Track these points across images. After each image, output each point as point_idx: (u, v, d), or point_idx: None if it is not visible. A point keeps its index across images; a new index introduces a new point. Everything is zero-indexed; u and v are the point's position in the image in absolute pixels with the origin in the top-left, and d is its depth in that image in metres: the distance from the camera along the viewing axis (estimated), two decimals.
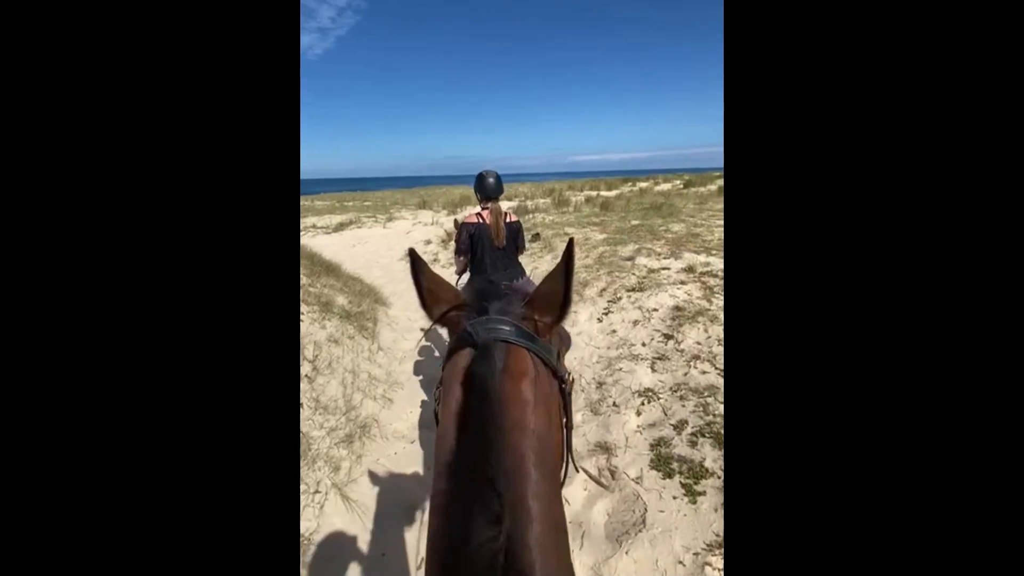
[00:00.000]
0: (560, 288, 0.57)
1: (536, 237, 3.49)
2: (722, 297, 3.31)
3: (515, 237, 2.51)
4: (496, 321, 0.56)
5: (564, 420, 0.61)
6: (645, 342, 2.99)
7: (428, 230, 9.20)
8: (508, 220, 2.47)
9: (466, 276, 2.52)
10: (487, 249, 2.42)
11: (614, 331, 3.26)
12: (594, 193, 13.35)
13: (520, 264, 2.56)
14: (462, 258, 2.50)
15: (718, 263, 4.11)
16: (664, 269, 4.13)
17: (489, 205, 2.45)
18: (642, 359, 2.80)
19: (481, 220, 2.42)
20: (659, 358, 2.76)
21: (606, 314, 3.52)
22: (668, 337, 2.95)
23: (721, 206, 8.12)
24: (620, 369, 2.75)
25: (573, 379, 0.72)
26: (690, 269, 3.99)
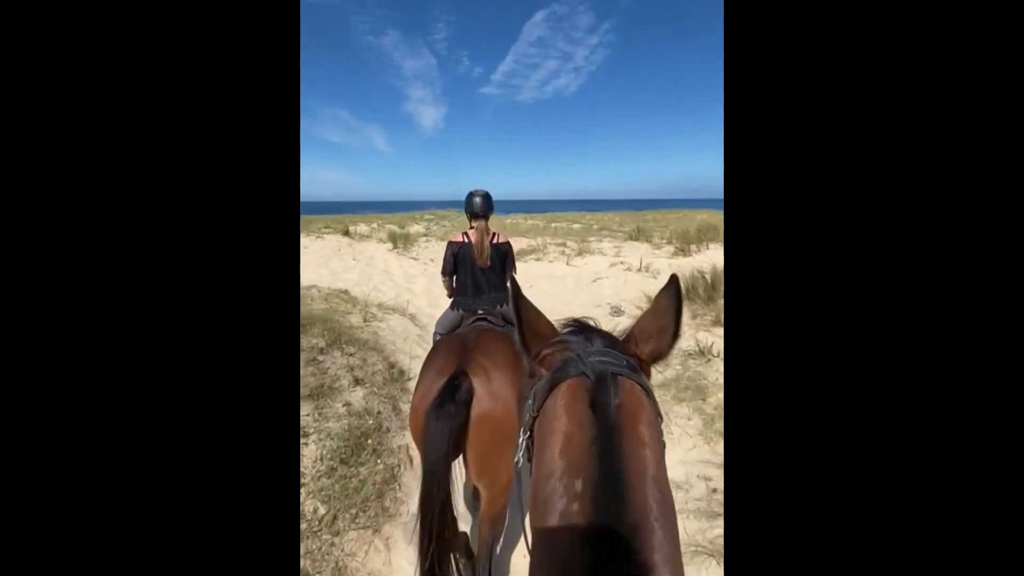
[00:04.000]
0: (669, 324, 0.57)
1: (618, 311, 3.75)
2: None
3: (502, 259, 2.35)
4: (605, 353, 0.54)
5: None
6: None
7: (627, 279, 5.87)
8: (495, 241, 2.33)
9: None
10: (470, 270, 2.28)
11: None
12: None
13: (506, 288, 2.21)
14: (445, 278, 2.40)
15: None
16: None
17: (475, 224, 2.31)
18: None
19: (466, 239, 2.30)
20: None
21: None
22: None
23: None
24: None
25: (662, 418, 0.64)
26: None
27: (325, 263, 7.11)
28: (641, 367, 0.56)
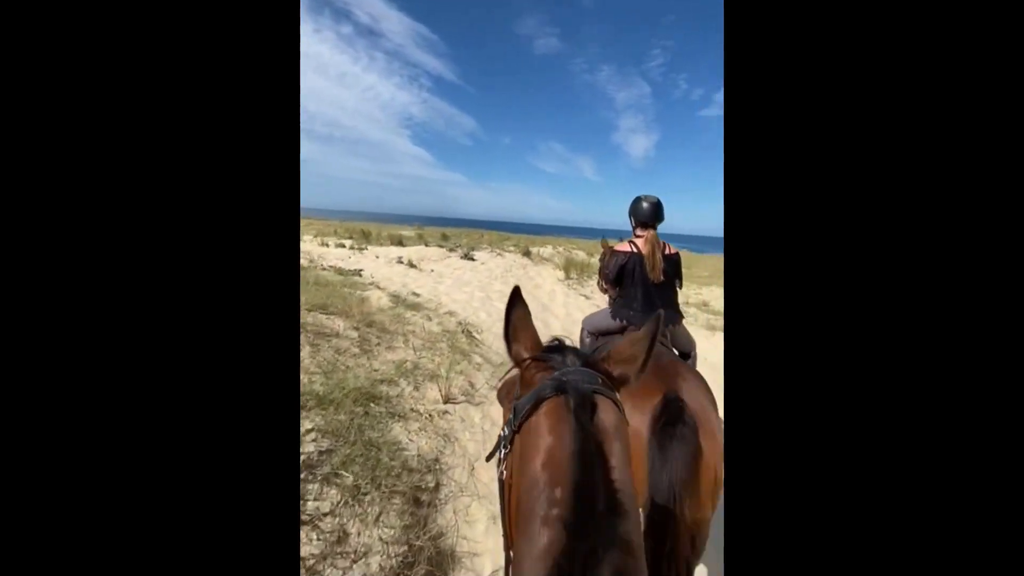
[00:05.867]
0: (640, 354, 0.62)
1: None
2: None
3: (674, 271, 2.09)
4: (583, 373, 0.58)
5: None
6: None
7: None
8: (668, 252, 2.05)
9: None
10: (640, 283, 2.01)
11: None
12: None
13: (677, 305, 2.13)
14: (608, 286, 2.16)
15: None
16: None
17: (644, 234, 2.05)
18: None
19: (635, 250, 2.03)
20: None
21: None
22: None
23: None
24: None
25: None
26: None
27: (488, 283, 6.13)
28: (611, 384, 0.61)
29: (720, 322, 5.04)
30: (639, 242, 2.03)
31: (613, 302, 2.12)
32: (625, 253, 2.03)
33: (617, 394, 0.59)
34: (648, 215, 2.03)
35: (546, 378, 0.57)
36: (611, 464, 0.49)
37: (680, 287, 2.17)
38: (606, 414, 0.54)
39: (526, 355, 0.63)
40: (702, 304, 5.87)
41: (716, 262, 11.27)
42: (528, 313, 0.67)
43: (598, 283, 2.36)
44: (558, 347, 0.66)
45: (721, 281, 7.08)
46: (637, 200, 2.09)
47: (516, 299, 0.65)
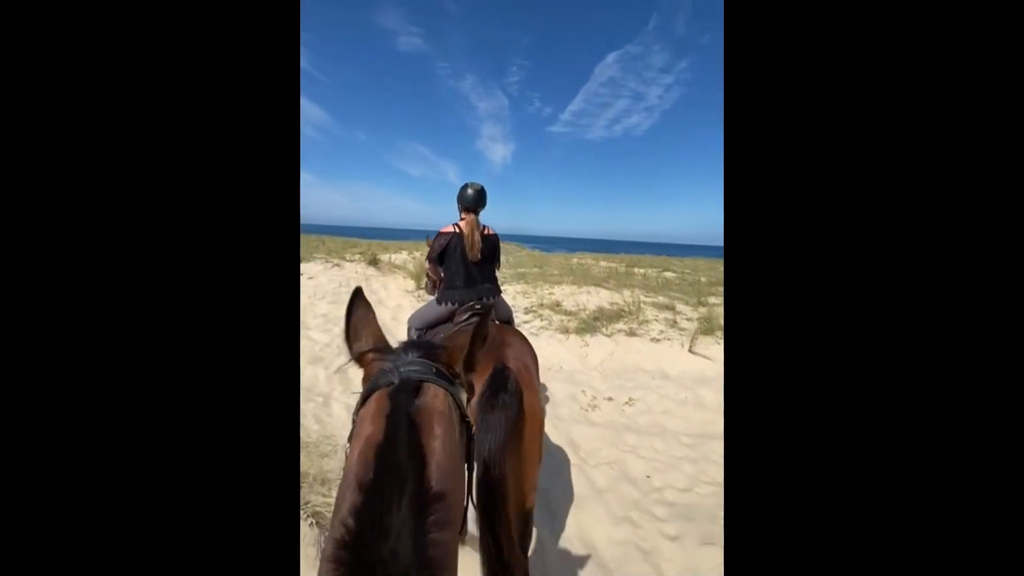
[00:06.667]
0: (466, 343, 0.66)
1: None
2: None
3: (492, 251, 2.35)
4: (416, 363, 0.60)
5: (466, 464, 0.64)
6: None
7: None
8: (486, 233, 2.30)
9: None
10: (461, 261, 2.23)
11: None
12: None
13: (496, 281, 2.39)
14: (430, 264, 2.38)
15: None
16: None
17: (467, 217, 2.27)
18: None
19: (457, 230, 2.24)
20: None
21: None
22: None
23: None
24: None
25: (475, 427, 0.78)
26: None
27: (309, 305, 4.90)
28: (451, 373, 0.63)
29: (573, 324, 4.92)
30: (462, 224, 2.22)
31: (440, 292, 2.24)
32: (448, 234, 2.21)
33: (458, 380, 0.64)
34: (471, 200, 2.22)
35: (379, 371, 0.60)
36: (428, 447, 0.51)
37: (499, 267, 2.43)
38: (431, 400, 0.56)
39: (366, 350, 0.64)
40: (555, 305, 5.74)
41: (563, 260, 11.89)
42: (371, 312, 0.69)
43: (424, 285, 2.52)
44: (403, 344, 0.66)
45: (571, 279, 7.21)
46: (463, 187, 2.27)
47: (357, 299, 0.67)
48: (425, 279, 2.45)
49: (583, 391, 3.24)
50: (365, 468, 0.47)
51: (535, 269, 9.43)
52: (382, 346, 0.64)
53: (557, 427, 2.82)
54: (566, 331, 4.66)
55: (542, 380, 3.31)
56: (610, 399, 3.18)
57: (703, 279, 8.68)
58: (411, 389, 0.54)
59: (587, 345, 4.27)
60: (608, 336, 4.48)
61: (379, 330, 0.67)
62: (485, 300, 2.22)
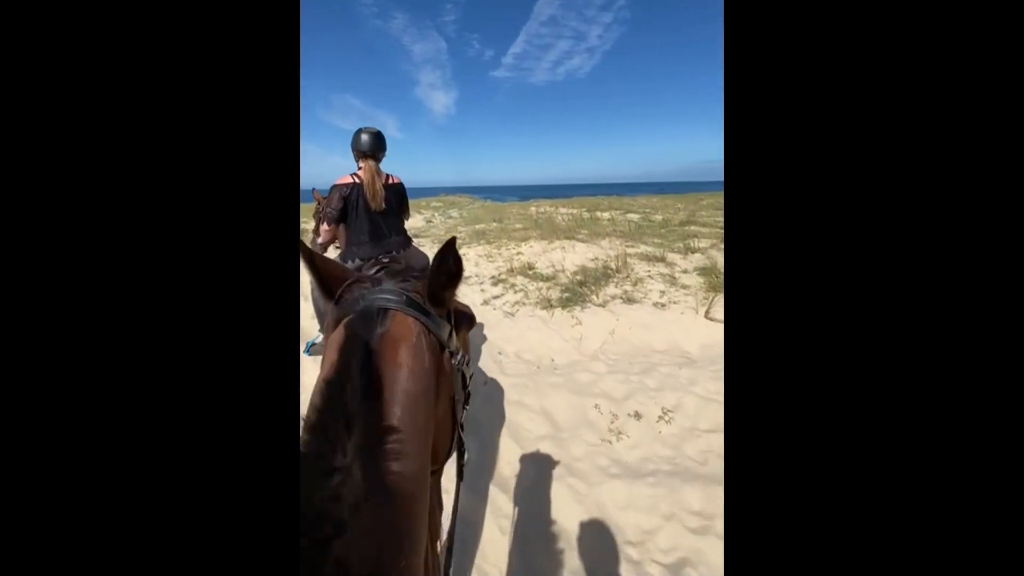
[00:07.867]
0: (433, 265, 0.62)
1: None
2: None
3: (399, 200, 2.20)
4: (385, 291, 0.58)
5: (453, 394, 0.62)
6: None
7: None
8: (390, 181, 2.14)
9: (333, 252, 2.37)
10: (364, 213, 2.05)
11: None
12: None
13: (405, 232, 2.26)
14: (329, 226, 2.07)
15: None
16: None
17: (364, 164, 2.08)
18: None
19: (356, 180, 2.05)
20: None
21: None
22: None
23: None
24: None
25: (469, 357, 0.72)
26: None
27: None
28: (427, 302, 0.60)
29: (555, 293, 4.02)
30: (360, 173, 2.06)
31: (344, 250, 2.08)
32: (347, 184, 2.03)
33: (437, 310, 0.61)
34: (368, 145, 2.06)
35: (349, 299, 0.59)
36: (388, 377, 0.49)
37: (407, 217, 2.31)
38: (395, 329, 0.54)
39: (341, 286, 0.62)
40: (527, 268, 4.78)
41: (521, 210, 10.77)
42: (332, 260, 0.66)
43: (312, 241, 2.35)
44: (380, 273, 0.65)
45: (537, 233, 6.23)
46: (357, 132, 2.10)
47: (304, 247, 0.61)
48: (312, 238, 2.16)
49: (595, 405, 2.29)
50: (312, 408, 0.46)
51: (494, 224, 8.29)
52: (356, 277, 0.62)
53: (575, 488, 1.79)
54: (549, 305, 3.77)
55: (530, 388, 2.44)
56: (637, 415, 2.23)
57: (662, 217, 8.05)
58: (372, 318, 0.53)
59: (579, 323, 3.42)
60: (602, 306, 3.65)
61: (346, 268, 0.65)
62: (395, 253, 2.04)
